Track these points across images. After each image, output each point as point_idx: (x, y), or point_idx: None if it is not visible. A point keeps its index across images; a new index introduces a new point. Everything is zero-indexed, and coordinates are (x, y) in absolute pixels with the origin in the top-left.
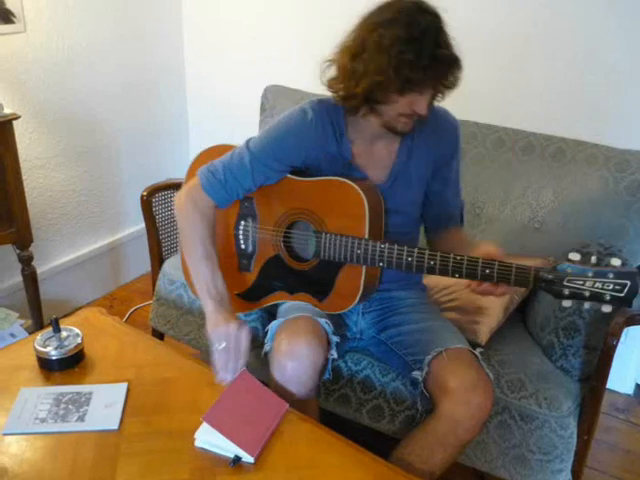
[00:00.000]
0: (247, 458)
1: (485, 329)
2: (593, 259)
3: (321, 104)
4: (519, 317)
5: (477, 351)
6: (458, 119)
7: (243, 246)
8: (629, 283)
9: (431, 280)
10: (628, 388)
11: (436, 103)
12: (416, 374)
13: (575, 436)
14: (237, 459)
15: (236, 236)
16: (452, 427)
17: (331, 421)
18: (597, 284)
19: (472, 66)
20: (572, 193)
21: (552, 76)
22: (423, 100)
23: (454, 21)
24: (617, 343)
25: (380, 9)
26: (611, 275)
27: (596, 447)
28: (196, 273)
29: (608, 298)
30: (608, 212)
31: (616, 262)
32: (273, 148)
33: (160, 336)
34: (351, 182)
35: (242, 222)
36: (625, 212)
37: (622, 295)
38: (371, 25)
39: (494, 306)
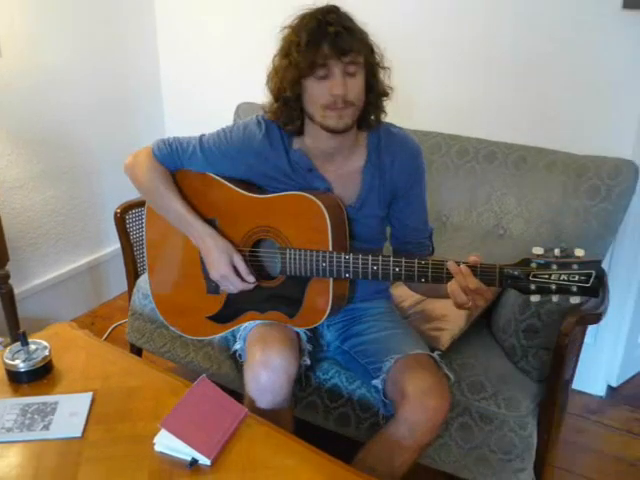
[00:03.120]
0: (204, 460)
1: (447, 335)
2: (556, 251)
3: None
4: (485, 321)
5: (435, 354)
6: (423, 130)
7: None
8: (594, 272)
9: (397, 289)
10: (600, 390)
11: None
12: (375, 382)
13: (535, 435)
14: (194, 461)
15: (202, 259)
16: (410, 430)
17: (307, 429)
18: (563, 276)
19: (436, 78)
20: (534, 199)
21: (512, 86)
22: (335, 81)
23: (419, 34)
24: (569, 342)
25: None
26: (575, 266)
27: (567, 449)
28: (167, 211)
29: (575, 289)
30: (569, 216)
31: (580, 252)
32: (220, 148)
33: (138, 351)
34: (310, 195)
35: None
36: (585, 216)
37: (588, 285)
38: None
39: (456, 313)
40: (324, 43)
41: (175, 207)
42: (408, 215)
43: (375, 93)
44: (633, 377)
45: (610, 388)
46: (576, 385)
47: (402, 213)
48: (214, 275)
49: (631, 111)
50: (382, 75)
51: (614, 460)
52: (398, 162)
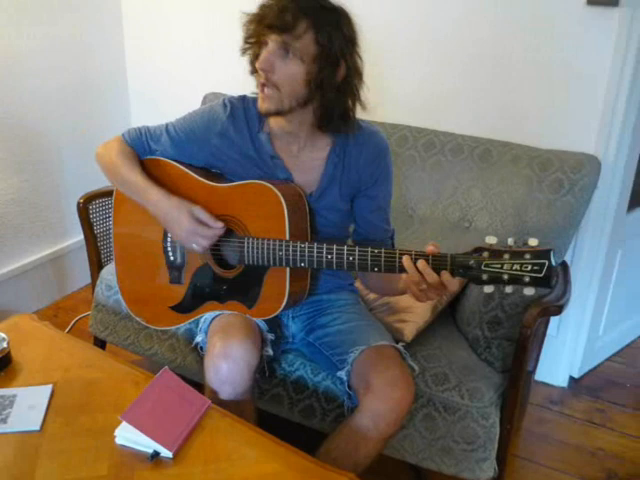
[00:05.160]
0: (165, 453)
1: (411, 327)
2: (510, 241)
3: (240, 101)
4: (450, 313)
5: (399, 345)
6: (391, 123)
7: (172, 258)
8: (547, 263)
9: None
10: (562, 381)
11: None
12: (340, 374)
13: (497, 425)
14: (156, 454)
15: (165, 249)
16: (374, 422)
17: (272, 420)
18: (515, 266)
19: (405, 71)
20: (499, 192)
21: (479, 81)
22: (263, 54)
23: (389, 26)
24: (531, 333)
25: None
26: (528, 256)
27: (529, 438)
28: (129, 184)
29: (527, 280)
30: (533, 209)
31: (533, 242)
32: (185, 130)
33: (102, 344)
34: (268, 183)
35: (170, 234)
36: (549, 209)
37: (541, 275)
38: None
39: (422, 305)
40: (270, 14)
41: (135, 179)
42: (371, 211)
43: (325, 89)
44: (594, 368)
45: (572, 379)
46: (539, 376)
47: (365, 209)
48: (181, 234)
49: (594, 106)
50: (350, 76)
51: (575, 450)
52: (364, 156)
